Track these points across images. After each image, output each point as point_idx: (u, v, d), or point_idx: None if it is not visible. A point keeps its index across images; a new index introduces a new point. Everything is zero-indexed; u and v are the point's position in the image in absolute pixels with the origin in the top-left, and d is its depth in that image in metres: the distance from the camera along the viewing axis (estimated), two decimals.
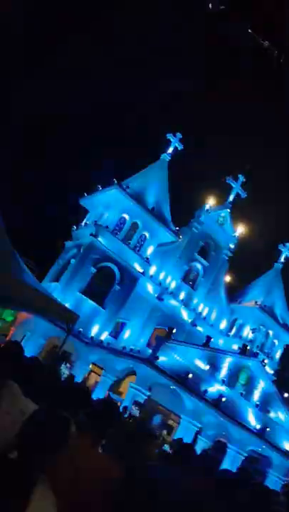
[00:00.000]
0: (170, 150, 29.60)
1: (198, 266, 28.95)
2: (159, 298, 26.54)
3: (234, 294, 31.85)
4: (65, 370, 15.53)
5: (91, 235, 24.75)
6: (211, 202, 29.72)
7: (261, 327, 28.43)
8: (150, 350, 20.02)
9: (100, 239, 24.73)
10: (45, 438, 1.87)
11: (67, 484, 2.15)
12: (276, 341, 30.14)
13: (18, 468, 1.76)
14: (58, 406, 2.71)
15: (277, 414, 22.41)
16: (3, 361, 3.89)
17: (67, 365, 16.58)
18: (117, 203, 25.91)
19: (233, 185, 30.88)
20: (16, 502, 1.69)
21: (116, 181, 25.88)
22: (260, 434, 20.57)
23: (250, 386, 21.51)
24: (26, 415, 2.47)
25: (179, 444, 4.42)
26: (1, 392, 2.91)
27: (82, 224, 27.93)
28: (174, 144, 29.72)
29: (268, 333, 29.19)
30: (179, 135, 29.86)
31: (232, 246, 30.37)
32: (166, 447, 10.59)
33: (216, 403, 19.44)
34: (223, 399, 19.61)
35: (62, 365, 15.94)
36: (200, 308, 28.34)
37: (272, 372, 27.51)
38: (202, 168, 40.87)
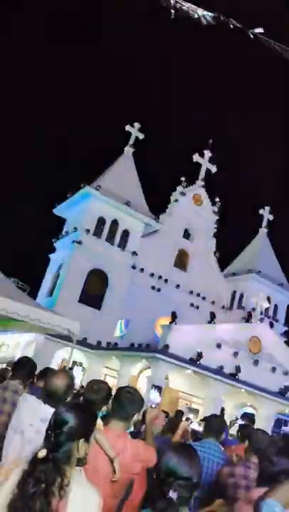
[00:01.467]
0: (132, 141, 29.48)
1: (186, 248, 29.06)
2: (155, 288, 26.56)
3: (227, 267, 32.17)
4: (78, 371, 15.52)
5: (73, 242, 24.56)
6: (184, 183, 29.84)
7: (261, 293, 28.69)
8: (158, 341, 20.05)
9: (83, 244, 24.56)
10: (72, 432, 1.83)
11: (105, 473, 2.11)
12: (278, 303, 30.61)
13: (50, 465, 1.73)
14: (79, 403, 2.66)
15: None
16: (17, 374, 3.95)
17: (80, 367, 16.54)
18: (91, 205, 25.72)
19: (202, 163, 30.97)
20: (56, 499, 1.66)
21: (86, 184, 25.66)
22: (283, 396, 20.79)
23: (262, 351, 21.72)
24: (47, 422, 2.44)
25: (209, 419, 4.39)
26: (20, 406, 2.89)
27: (63, 233, 27.68)
28: (134, 134, 29.60)
29: (268, 298, 29.48)
30: (137, 125, 29.72)
31: (214, 221, 30.61)
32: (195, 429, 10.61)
33: (234, 375, 19.58)
34: (240, 370, 19.75)
35: (75, 367, 15.94)
36: (197, 289, 28.46)
37: (281, 333, 27.86)
38: (170, 151, 40.92)
